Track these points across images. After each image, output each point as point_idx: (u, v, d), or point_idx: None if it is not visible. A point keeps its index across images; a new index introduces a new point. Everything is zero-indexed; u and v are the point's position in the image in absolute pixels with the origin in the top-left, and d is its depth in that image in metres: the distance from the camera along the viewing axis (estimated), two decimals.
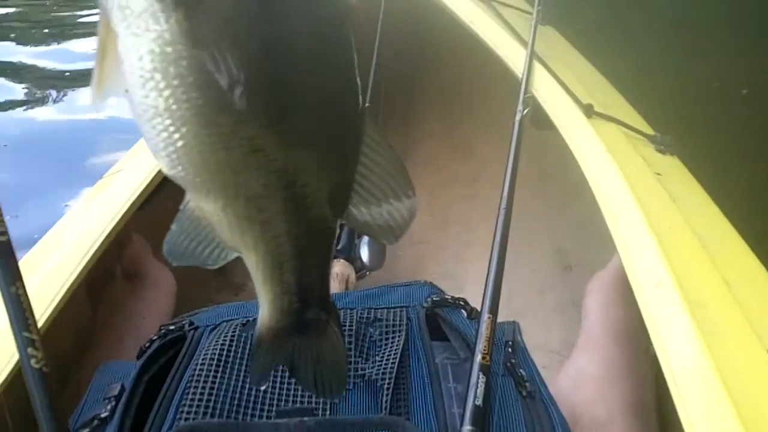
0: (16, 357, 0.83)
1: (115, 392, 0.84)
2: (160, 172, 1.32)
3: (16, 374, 0.84)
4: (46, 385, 0.55)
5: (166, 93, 0.42)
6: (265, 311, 0.57)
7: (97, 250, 1.11)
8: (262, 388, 0.81)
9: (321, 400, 0.79)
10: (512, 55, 1.59)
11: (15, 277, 0.59)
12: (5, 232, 0.58)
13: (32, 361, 0.55)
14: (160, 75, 0.41)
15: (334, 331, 0.60)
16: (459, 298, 0.97)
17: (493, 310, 0.85)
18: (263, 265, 0.53)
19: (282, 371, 0.81)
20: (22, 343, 0.56)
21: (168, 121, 0.43)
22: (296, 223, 0.50)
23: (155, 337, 0.95)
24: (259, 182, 0.46)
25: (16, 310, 0.57)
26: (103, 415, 0.81)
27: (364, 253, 1.44)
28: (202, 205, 0.50)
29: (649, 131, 1.44)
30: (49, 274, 1.05)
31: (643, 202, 1.08)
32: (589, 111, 1.37)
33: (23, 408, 0.63)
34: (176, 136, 0.43)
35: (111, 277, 1.32)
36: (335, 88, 0.47)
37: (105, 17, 0.42)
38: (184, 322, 0.96)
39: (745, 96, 2.89)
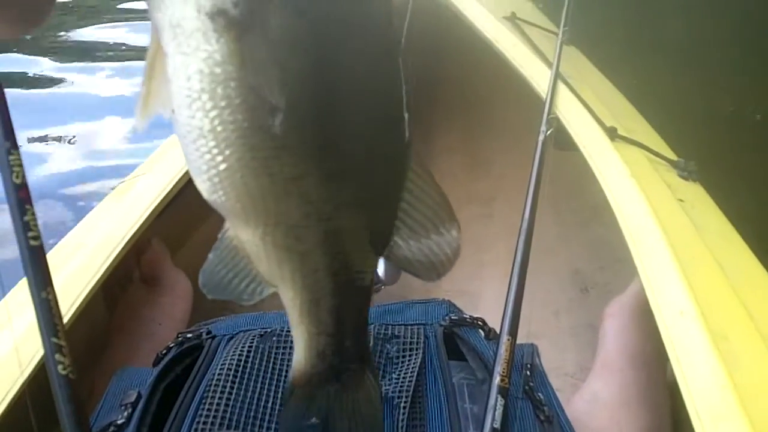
0: (38, 357, 0.84)
1: (132, 399, 0.84)
2: (182, 177, 1.33)
3: (38, 373, 0.84)
4: (72, 392, 0.56)
5: (213, 114, 0.41)
6: (300, 354, 0.56)
7: (117, 255, 1.12)
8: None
9: None
10: (536, 74, 1.59)
11: (46, 283, 0.59)
12: (38, 237, 0.59)
13: (59, 367, 0.55)
14: (207, 96, 0.41)
15: (371, 381, 0.58)
16: (477, 318, 0.96)
17: (513, 332, 0.85)
18: (300, 301, 0.51)
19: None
20: (50, 349, 0.56)
21: (212, 143, 0.42)
22: (335, 258, 0.49)
23: (172, 345, 0.95)
24: (300, 211, 0.45)
25: (45, 316, 0.57)
26: (119, 422, 0.81)
27: (380, 268, 1.44)
28: (241, 234, 0.49)
29: (673, 156, 1.43)
30: (69, 277, 1.05)
31: (666, 229, 1.07)
32: (612, 134, 1.37)
33: (42, 409, 0.63)
34: (219, 158, 0.43)
35: (128, 282, 1.33)
36: (383, 121, 0.46)
37: (155, 35, 0.42)
38: (201, 331, 0.96)
39: (759, 121, 2.90)
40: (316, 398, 0.58)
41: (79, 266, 1.08)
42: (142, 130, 0.44)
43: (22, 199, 0.59)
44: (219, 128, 0.42)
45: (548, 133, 1.30)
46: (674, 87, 2.94)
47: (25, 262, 0.58)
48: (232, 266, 0.51)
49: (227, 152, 0.42)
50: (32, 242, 0.58)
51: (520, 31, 1.84)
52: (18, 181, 0.59)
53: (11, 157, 0.60)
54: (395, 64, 0.45)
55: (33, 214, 0.59)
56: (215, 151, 0.43)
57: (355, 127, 0.45)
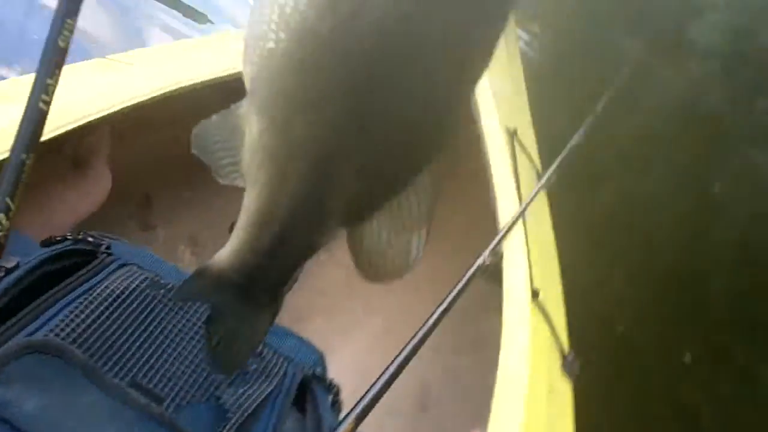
0: None
1: (10, 265, 0.80)
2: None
3: None
4: None
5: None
6: (227, 251, 0.57)
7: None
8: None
9: (172, 395, 0.76)
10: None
11: None
12: None
13: None
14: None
15: (266, 318, 0.60)
16: (335, 386, 0.97)
17: (359, 419, 0.86)
18: (254, 211, 0.53)
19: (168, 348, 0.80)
20: None
21: (273, 23, 0.45)
22: (307, 198, 0.50)
23: (69, 237, 0.92)
24: (305, 130, 0.48)
25: None
26: None
27: None
28: (250, 118, 0.50)
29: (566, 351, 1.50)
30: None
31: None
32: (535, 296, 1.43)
33: None
34: (271, 36, 0.46)
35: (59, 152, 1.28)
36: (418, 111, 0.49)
37: None
38: (103, 243, 0.92)
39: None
40: (213, 294, 0.59)
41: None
42: None
43: None
44: (279, 18, 0.45)
45: (487, 263, 1.31)
46: None
47: None
48: (225, 139, 0.52)
49: (280, 35, 0.45)
50: None
51: (512, 150, 1.82)
52: None
53: None
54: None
55: None
56: (272, 27, 0.46)
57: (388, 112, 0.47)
